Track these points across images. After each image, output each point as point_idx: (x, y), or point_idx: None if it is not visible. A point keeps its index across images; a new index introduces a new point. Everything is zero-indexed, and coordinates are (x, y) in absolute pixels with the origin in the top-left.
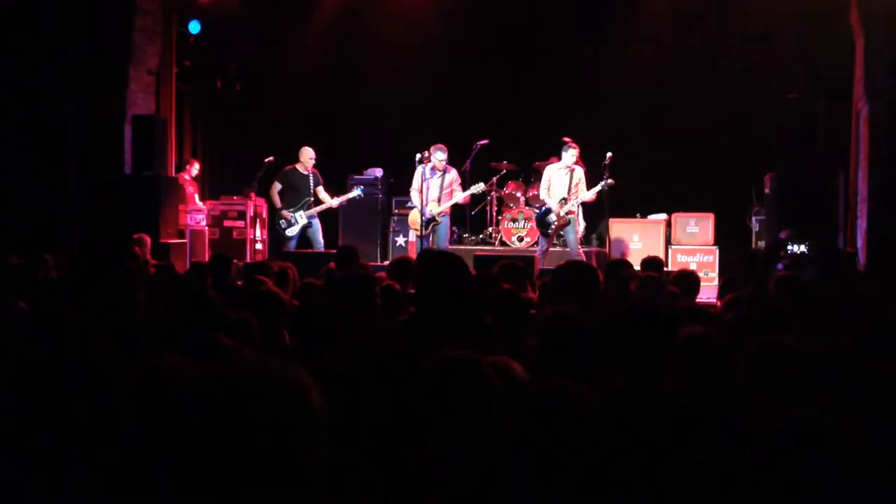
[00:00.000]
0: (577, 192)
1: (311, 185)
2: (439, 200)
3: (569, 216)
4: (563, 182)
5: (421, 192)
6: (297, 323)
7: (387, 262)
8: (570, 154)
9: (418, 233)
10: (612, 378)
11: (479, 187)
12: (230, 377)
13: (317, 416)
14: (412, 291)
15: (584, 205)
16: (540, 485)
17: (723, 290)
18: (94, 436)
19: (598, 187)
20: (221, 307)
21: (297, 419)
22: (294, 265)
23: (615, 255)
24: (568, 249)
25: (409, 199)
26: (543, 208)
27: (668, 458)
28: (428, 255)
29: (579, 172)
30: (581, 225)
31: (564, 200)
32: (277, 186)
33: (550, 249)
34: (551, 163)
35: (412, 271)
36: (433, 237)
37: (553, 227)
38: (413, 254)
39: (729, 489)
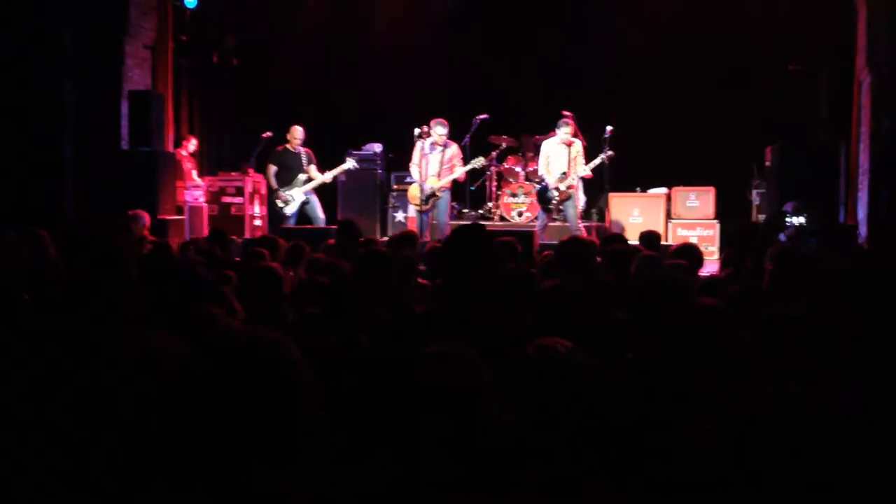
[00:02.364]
0: (575, 165)
1: (304, 162)
2: (439, 175)
3: (569, 191)
4: (562, 156)
5: (420, 166)
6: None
7: (386, 238)
8: (564, 131)
9: (418, 208)
10: (619, 351)
11: (478, 161)
12: (218, 352)
13: (303, 389)
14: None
15: (584, 179)
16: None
17: (724, 263)
18: (88, 417)
19: (598, 160)
20: (214, 282)
21: (283, 392)
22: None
23: (615, 229)
24: (568, 224)
25: (409, 175)
26: (544, 183)
27: (675, 429)
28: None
29: (577, 146)
30: (581, 200)
31: (564, 175)
32: (273, 168)
33: (550, 224)
34: (550, 137)
35: (415, 245)
36: (433, 212)
37: (554, 202)
38: (413, 229)
39: (735, 458)
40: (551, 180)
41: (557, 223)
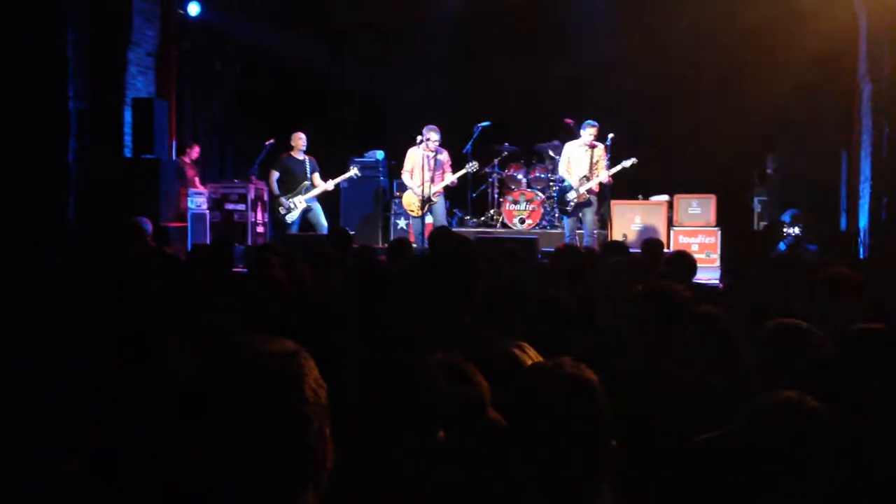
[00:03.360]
0: (597, 169)
1: (308, 170)
2: (433, 181)
3: (589, 195)
4: (584, 159)
5: (413, 173)
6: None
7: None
8: (589, 132)
9: (415, 214)
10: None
11: (473, 166)
12: (227, 365)
13: (314, 401)
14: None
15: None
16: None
17: (726, 272)
18: (92, 429)
19: (619, 167)
20: (220, 291)
21: (295, 405)
22: (295, 249)
23: (617, 237)
24: (583, 230)
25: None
26: (562, 185)
27: (677, 441)
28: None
29: (600, 150)
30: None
31: (586, 178)
32: (275, 174)
33: (551, 231)
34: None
35: (409, 253)
36: (431, 218)
37: (572, 204)
38: (412, 236)
39: (736, 468)
40: (572, 182)
41: (557, 230)
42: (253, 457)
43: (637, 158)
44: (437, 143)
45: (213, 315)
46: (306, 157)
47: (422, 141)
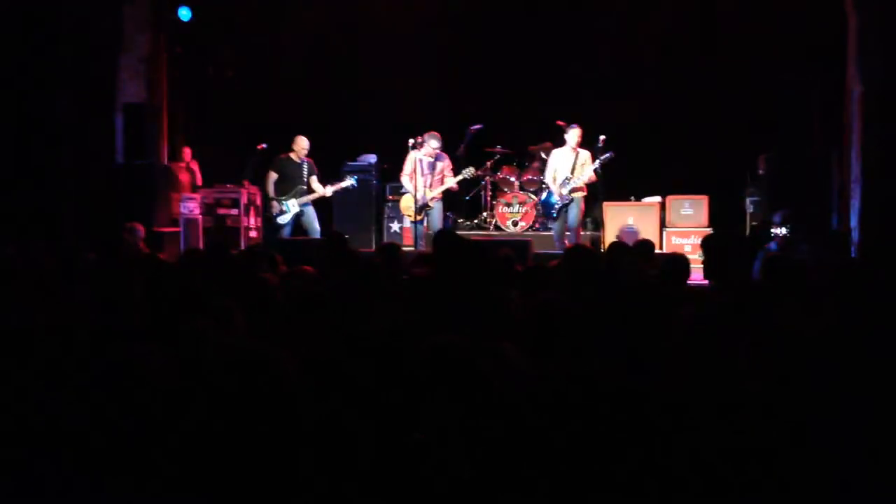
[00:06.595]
0: (582, 172)
1: (305, 173)
2: (430, 186)
3: (572, 195)
4: (567, 165)
5: (412, 177)
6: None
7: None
8: (573, 135)
9: (412, 218)
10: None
11: (469, 171)
12: (209, 366)
13: (295, 400)
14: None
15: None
16: (534, 468)
17: (706, 274)
18: (78, 432)
19: (597, 163)
20: (207, 294)
21: (274, 404)
22: (284, 253)
23: (610, 238)
24: (568, 229)
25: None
26: (547, 192)
27: (666, 440)
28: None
29: (585, 154)
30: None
31: (567, 180)
32: (273, 175)
33: (544, 233)
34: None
35: (400, 256)
36: (427, 222)
37: (556, 207)
38: (408, 240)
39: (725, 468)
40: (555, 188)
41: (549, 233)
42: (236, 453)
43: (613, 153)
44: (436, 150)
45: (197, 319)
46: (305, 161)
47: (420, 144)
